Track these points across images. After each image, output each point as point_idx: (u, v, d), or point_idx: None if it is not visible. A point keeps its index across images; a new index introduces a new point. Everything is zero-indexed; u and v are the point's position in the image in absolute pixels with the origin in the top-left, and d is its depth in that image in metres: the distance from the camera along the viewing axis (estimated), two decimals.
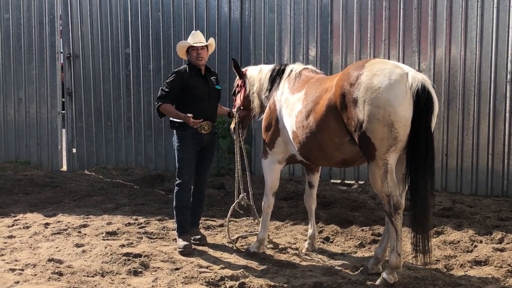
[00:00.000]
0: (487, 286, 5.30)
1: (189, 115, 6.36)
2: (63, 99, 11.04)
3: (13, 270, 5.67)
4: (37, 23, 10.85)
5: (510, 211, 7.67)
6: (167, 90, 6.51)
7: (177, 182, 6.59)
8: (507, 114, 8.35)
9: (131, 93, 10.50)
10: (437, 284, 5.35)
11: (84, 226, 7.26)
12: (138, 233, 6.95)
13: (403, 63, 8.39)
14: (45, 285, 5.33)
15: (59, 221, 7.46)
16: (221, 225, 7.34)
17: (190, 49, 6.56)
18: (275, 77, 6.38)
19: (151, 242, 6.66)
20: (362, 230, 7.00)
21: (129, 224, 7.33)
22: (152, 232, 6.96)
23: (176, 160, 6.60)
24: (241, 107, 6.68)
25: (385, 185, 5.16)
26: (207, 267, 5.85)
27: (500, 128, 8.39)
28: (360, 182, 9.17)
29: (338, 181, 9.31)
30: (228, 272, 5.67)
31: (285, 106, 6.04)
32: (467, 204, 7.98)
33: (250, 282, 5.42)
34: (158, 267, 5.83)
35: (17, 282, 5.37)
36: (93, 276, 5.57)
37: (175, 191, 6.59)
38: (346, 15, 9.07)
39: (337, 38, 9.10)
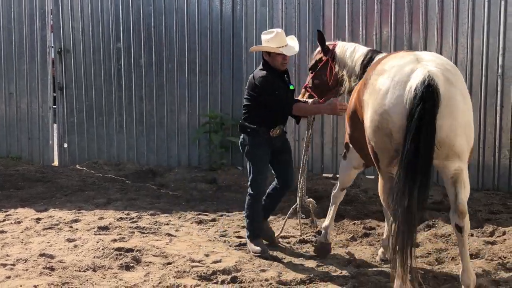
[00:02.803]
0: (478, 279, 5.31)
1: (334, 101, 5.86)
2: (54, 94, 10.98)
3: (4, 265, 5.64)
4: (28, 18, 10.77)
5: (501, 205, 7.70)
6: (281, 94, 5.98)
7: (251, 193, 6.16)
8: (498, 108, 8.37)
9: (122, 88, 10.46)
10: (428, 277, 5.38)
11: (76, 221, 7.24)
12: (130, 227, 6.93)
13: None
14: (37, 280, 5.31)
15: (50, 216, 7.44)
16: (213, 220, 7.34)
17: (273, 52, 6.03)
18: (366, 65, 5.72)
19: (143, 236, 6.64)
20: (354, 223, 7.03)
21: (121, 219, 7.30)
22: (144, 227, 6.95)
23: (251, 170, 6.16)
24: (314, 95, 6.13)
25: (390, 202, 4.49)
26: (199, 262, 5.84)
27: (491, 122, 8.41)
28: None
29: (330, 175, 9.32)
30: (220, 266, 5.67)
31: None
32: None
33: (242, 276, 5.42)
34: (150, 262, 5.82)
35: (8, 277, 5.35)
36: (84, 271, 5.56)
37: (248, 202, 6.19)
38: (338, 8, 9.06)
39: (329, 32, 9.08)
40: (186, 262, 5.80)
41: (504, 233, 6.53)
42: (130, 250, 6.07)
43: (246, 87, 6.23)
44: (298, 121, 6.44)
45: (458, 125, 4.40)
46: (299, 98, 6.33)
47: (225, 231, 6.91)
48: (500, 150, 8.43)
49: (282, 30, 6.24)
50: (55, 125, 10.97)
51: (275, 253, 6.14)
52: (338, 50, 6.05)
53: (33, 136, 10.93)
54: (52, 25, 10.77)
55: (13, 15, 10.87)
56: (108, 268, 5.65)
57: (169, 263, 5.79)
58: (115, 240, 6.40)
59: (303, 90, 6.40)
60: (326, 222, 6.17)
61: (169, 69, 10.19)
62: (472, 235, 6.47)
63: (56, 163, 10.84)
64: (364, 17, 8.93)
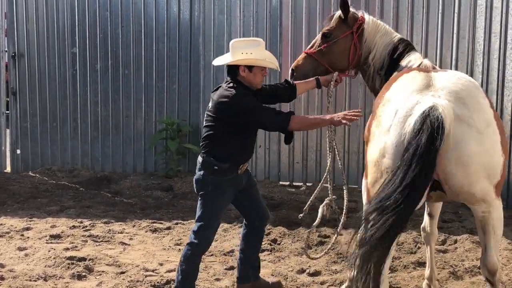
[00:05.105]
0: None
1: (353, 113, 4.72)
2: (7, 99, 10.77)
3: None
4: None
5: (453, 213, 7.83)
6: (268, 109, 4.86)
7: (194, 243, 4.90)
8: None
9: (77, 93, 10.32)
10: None
11: (27, 229, 7.10)
12: (82, 236, 6.83)
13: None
14: None
15: (1, 224, 7.28)
16: (168, 228, 7.27)
17: (256, 68, 4.85)
18: (396, 60, 5.00)
19: (96, 245, 6.55)
20: (310, 231, 7.04)
21: (74, 227, 7.19)
22: (97, 235, 6.85)
23: (202, 215, 4.92)
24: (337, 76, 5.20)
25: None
26: (153, 271, 5.79)
27: None
28: (308, 184, 9.22)
29: (287, 183, 9.35)
30: (174, 275, 5.60)
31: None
32: None
33: (197, 285, 5.37)
34: (103, 271, 5.75)
35: None
36: (35, 280, 5.47)
37: (186, 253, 4.93)
38: (295, 18, 9.11)
39: (286, 41, 9.15)
40: (140, 271, 5.74)
41: (455, 242, 6.65)
42: (82, 259, 5.99)
43: (210, 111, 4.90)
44: (290, 141, 4.98)
45: (474, 171, 3.81)
46: (292, 66, 5.32)
47: (180, 239, 6.86)
48: None
49: (262, 41, 5.06)
50: (8, 131, 10.74)
51: (230, 260, 6.12)
52: (368, 27, 5.12)
53: None
54: (6, 28, 10.57)
55: None
56: (59, 277, 5.57)
57: (122, 272, 5.73)
58: (67, 249, 6.31)
59: (303, 55, 5.33)
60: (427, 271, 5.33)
61: (125, 74, 10.10)
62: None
63: (8, 169, 10.61)
64: (321, 27, 8.97)
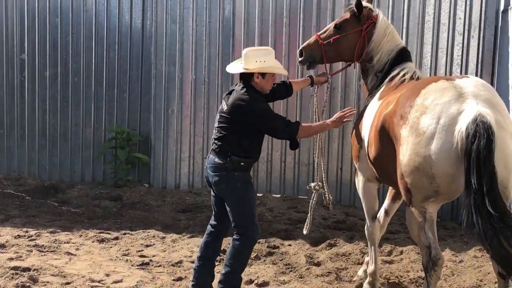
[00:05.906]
0: None
1: (348, 111, 5.38)
2: None
3: None
4: None
5: (399, 224, 7.97)
6: (282, 117, 5.37)
7: (244, 233, 5.19)
8: None
9: (25, 100, 10.16)
10: None
11: None
12: (28, 246, 6.69)
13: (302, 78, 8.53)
14: None
15: None
16: (116, 238, 7.18)
17: (268, 74, 5.25)
18: (391, 65, 5.43)
19: (42, 255, 6.43)
20: (259, 242, 7.03)
21: (19, 236, 7.04)
22: (42, 245, 6.72)
23: (241, 209, 5.19)
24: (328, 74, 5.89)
25: (422, 235, 4.45)
26: (99, 281, 5.72)
27: None
28: (258, 195, 9.23)
29: None
30: (120, 286, 5.59)
31: (368, 112, 5.30)
32: (360, 217, 8.22)
33: None
34: (48, 282, 5.64)
35: None
36: None
37: (242, 246, 5.21)
38: (248, 29, 9.16)
39: (238, 52, 9.15)
40: (86, 282, 5.66)
41: (401, 253, 6.76)
42: (27, 269, 5.87)
43: (225, 112, 5.20)
44: (296, 147, 5.45)
45: (511, 169, 4.17)
46: (307, 43, 5.85)
47: (128, 250, 6.78)
48: None
49: (271, 48, 5.61)
50: None
51: (179, 270, 6.09)
52: (378, 28, 5.49)
53: None
54: None
55: None
56: (3, 287, 5.44)
57: (67, 283, 5.64)
58: (11, 259, 6.17)
59: (314, 39, 5.77)
60: (370, 266, 5.62)
61: (75, 82, 9.97)
62: None
63: None
64: (273, 38, 9.07)
